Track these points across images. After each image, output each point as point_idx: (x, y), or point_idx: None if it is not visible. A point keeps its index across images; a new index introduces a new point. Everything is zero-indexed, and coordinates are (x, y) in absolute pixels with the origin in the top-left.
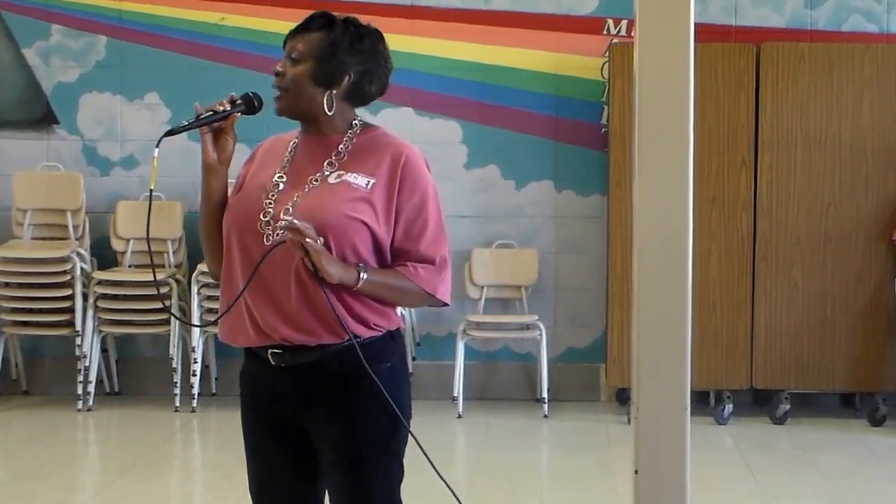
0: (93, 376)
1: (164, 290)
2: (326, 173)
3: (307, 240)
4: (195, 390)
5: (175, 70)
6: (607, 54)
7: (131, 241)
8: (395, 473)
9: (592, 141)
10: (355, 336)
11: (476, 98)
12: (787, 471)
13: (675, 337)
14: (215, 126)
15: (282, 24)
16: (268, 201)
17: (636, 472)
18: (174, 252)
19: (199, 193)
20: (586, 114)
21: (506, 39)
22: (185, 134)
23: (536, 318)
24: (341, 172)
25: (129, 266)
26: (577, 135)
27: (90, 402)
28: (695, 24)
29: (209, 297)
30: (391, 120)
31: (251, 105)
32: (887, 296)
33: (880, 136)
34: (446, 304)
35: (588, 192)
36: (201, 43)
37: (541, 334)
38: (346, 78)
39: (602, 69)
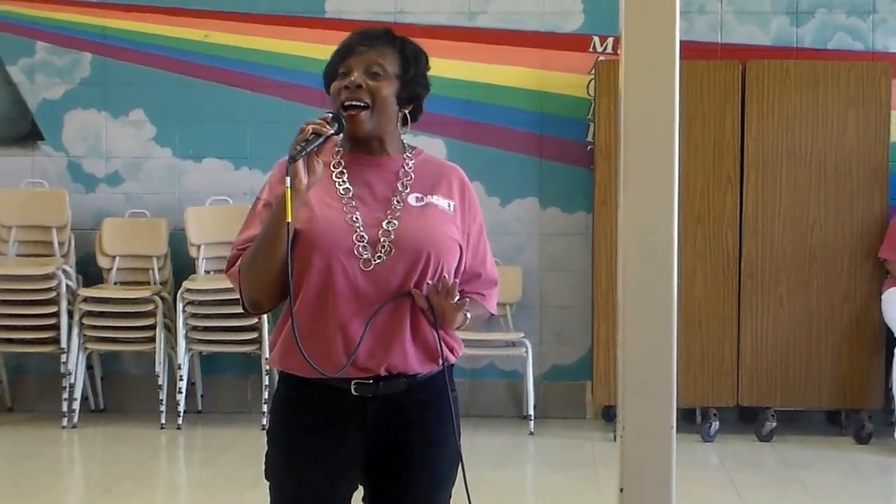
0: (78, 393)
1: (149, 307)
2: (404, 195)
3: (455, 299)
4: (181, 407)
5: (160, 86)
6: (593, 71)
7: (117, 258)
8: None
9: (577, 158)
10: (447, 362)
11: (460, 115)
12: (774, 488)
13: (661, 354)
14: (315, 149)
15: (265, 40)
16: (357, 224)
17: (622, 489)
18: (160, 269)
19: (287, 210)
20: (571, 131)
21: (491, 56)
22: (169, 151)
23: (522, 335)
24: (419, 195)
25: (115, 283)
26: (563, 152)
27: (75, 420)
28: (681, 41)
29: (194, 315)
30: None
31: (342, 125)
32: (873, 313)
33: (866, 154)
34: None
35: (573, 210)
36: (186, 59)
37: (526, 351)
38: (419, 101)
39: (588, 86)
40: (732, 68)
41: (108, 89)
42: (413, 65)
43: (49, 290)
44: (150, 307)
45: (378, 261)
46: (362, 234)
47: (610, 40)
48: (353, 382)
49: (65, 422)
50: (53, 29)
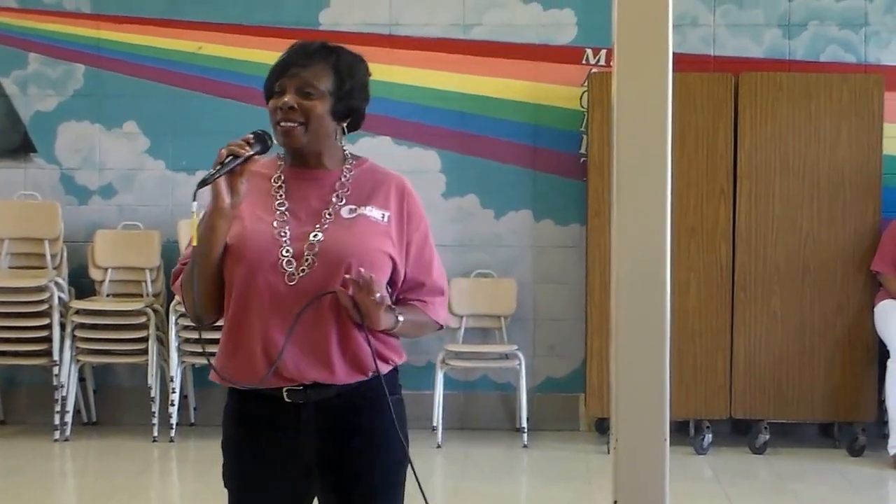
0: (70, 406)
1: (142, 319)
2: (337, 207)
3: (376, 295)
4: (173, 420)
5: (153, 98)
6: (586, 84)
7: (109, 271)
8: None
9: (571, 170)
10: (378, 372)
11: (455, 127)
12: (767, 501)
13: (654, 367)
14: (235, 169)
15: (259, 52)
16: (283, 238)
17: (615, 502)
18: (152, 281)
19: (192, 233)
20: (565, 143)
21: (485, 69)
22: (162, 163)
23: (516, 347)
24: (353, 206)
25: (107, 295)
26: (556, 164)
27: (67, 432)
28: (674, 53)
29: (186, 328)
30: (370, 149)
31: (265, 144)
32: (866, 325)
33: (858, 166)
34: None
35: (567, 222)
36: (179, 72)
37: (520, 364)
38: (357, 113)
39: (581, 99)
40: (725, 81)
41: (101, 101)
42: (348, 79)
43: (41, 302)
44: (143, 319)
45: (301, 274)
46: (288, 248)
47: (603, 52)
48: (284, 390)
49: (57, 434)
50: (46, 41)
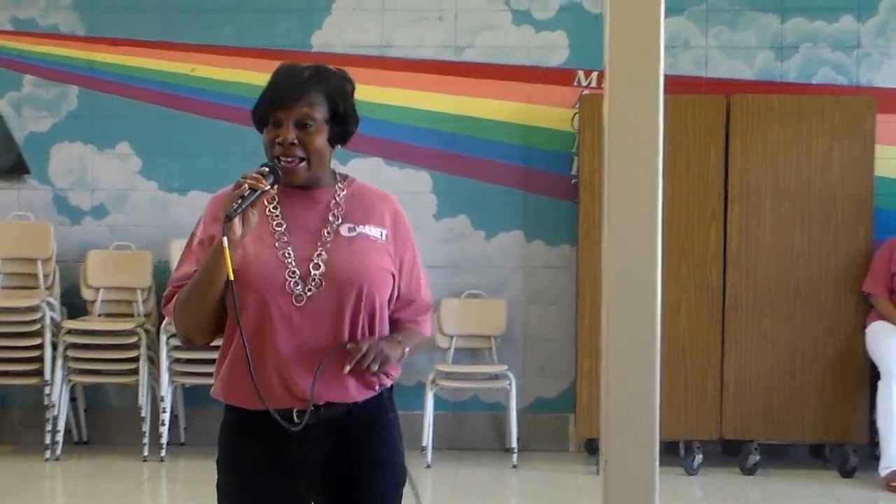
0: (61, 425)
1: (133, 339)
2: (335, 226)
3: (387, 363)
4: (164, 440)
5: (146, 120)
6: (577, 105)
7: (101, 291)
8: None
9: (562, 191)
10: (383, 386)
11: (446, 148)
12: None
13: (644, 387)
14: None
15: (251, 74)
16: (288, 260)
17: None
18: (143, 301)
19: (228, 269)
20: (556, 164)
21: (476, 90)
22: (154, 184)
23: (506, 367)
24: (351, 225)
25: (99, 315)
26: (547, 185)
27: (58, 452)
28: (665, 75)
29: (178, 347)
30: (361, 169)
31: (277, 176)
32: (857, 347)
33: (850, 188)
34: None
35: (557, 243)
36: (172, 93)
37: (510, 384)
38: (350, 135)
39: (572, 120)
40: (717, 102)
41: (94, 122)
42: (341, 102)
43: (33, 322)
44: (134, 339)
45: (309, 294)
46: (294, 269)
47: (595, 74)
48: (294, 410)
49: (48, 454)
50: (41, 62)
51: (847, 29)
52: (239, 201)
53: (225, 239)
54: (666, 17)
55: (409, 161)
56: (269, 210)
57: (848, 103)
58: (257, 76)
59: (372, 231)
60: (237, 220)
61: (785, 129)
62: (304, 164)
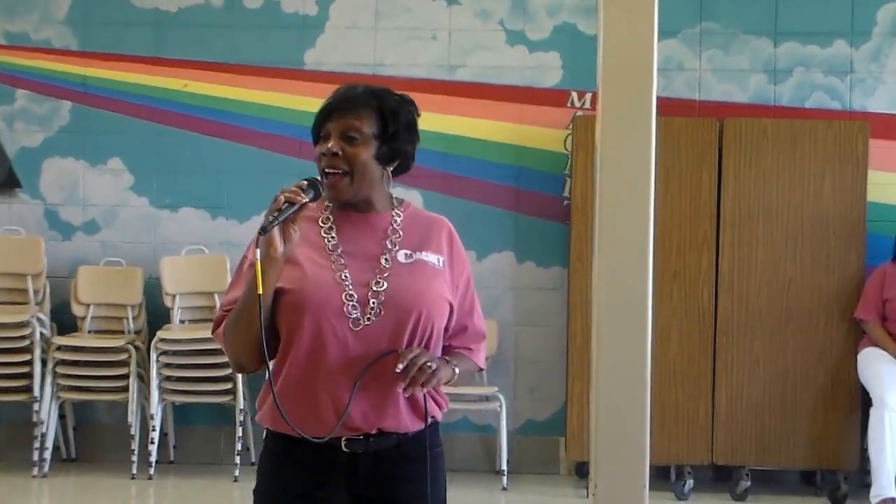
0: (49, 442)
1: (123, 356)
2: (393, 252)
3: (430, 368)
4: (153, 458)
5: (138, 136)
6: (570, 126)
7: (91, 307)
8: None
9: (554, 213)
10: (434, 419)
11: (438, 168)
12: None
13: (635, 411)
14: (290, 217)
15: (245, 91)
16: (346, 283)
17: None
18: (134, 318)
19: (258, 282)
20: (548, 185)
21: (469, 110)
22: (146, 200)
23: (496, 389)
24: (408, 251)
25: (89, 331)
26: (539, 206)
27: (46, 469)
28: (658, 97)
29: (168, 365)
30: None
31: (318, 191)
32: (849, 373)
33: (842, 213)
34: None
35: (549, 264)
36: (165, 109)
37: (500, 406)
38: (403, 156)
39: (565, 141)
40: (710, 125)
41: (86, 138)
42: (392, 122)
43: (23, 338)
44: (124, 356)
45: (368, 322)
46: (351, 292)
47: (588, 96)
48: (343, 439)
49: (35, 471)
50: (33, 77)
51: (840, 54)
52: (276, 214)
53: (258, 251)
54: (659, 39)
55: (400, 180)
56: (324, 232)
57: (841, 128)
58: (250, 93)
59: (429, 257)
60: (277, 236)
61: (778, 154)
62: (347, 178)
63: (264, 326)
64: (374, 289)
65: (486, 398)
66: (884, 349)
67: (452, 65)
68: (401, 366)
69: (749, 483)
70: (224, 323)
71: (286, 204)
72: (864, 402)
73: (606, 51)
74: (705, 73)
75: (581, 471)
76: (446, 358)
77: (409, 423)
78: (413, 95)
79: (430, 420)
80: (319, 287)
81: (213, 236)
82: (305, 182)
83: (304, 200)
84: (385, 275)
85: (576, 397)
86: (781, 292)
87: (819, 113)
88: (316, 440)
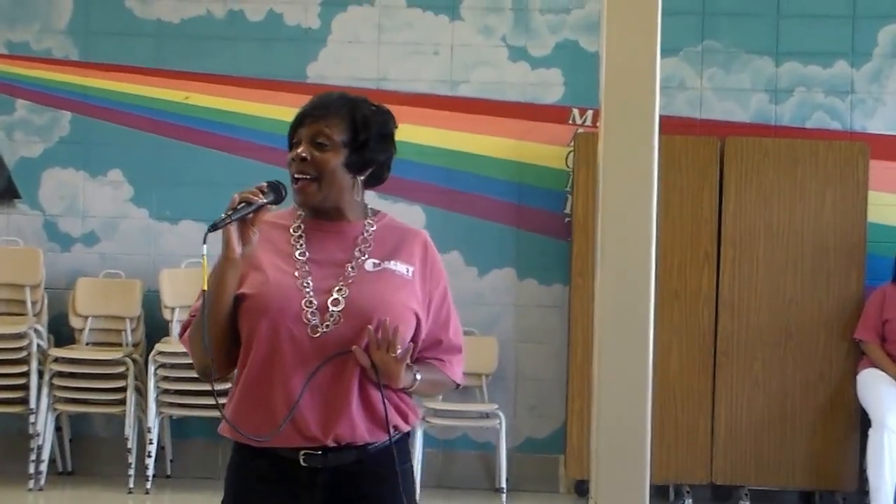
0: (45, 455)
1: (120, 369)
2: (361, 261)
3: (397, 352)
4: (150, 472)
5: (139, 147)
6: (572, 143)
7: (90, 319)
8: None
9: (555, 230)
10: (396, 431)
11: (440, 183)
12: None
13: (635, 430)
14: (248, 217)
15: (246, 104)
16: (307, 289)
17: None
18: (132, 331)
19: (203, 278)
20: (550, 202)
21: (471, 126)
22: (146, 212)
23: (496, 406)
24: (377, 261)
25: (87, 343)
26: (541, 223)
27: (42, 482)
28: (660, 116)
29: (166, 378)
30: None
31: (279, 194)
32: (848, 393)
33: (842, 233)
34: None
35: (550, 282)
36: (166, 121)
37: (500, 423)
38: (375, 165)
39: (567, 158)
40: (711, 144)
41: (86, 149)
42: (363, 130)
43: (20, 349)
44: (122, 369)
45: (326, 329)
46: (312, 299)
47: (590, 113)
48: (301, 453)
49: (31, 484)
50: (34, 87)
51: (841, 74)
52: (229, 213)
53: (205, 247)
54: (661, 57)
55: (401, 195)
56: (294, 240)
57: (841, 148)
58: (252, 106)
59: (398, 267)
60: (235, 237)
61: (778, 173)
62: (315, 184)
63: (227, 330)
64: (336, 296)
65: (486, 415)
66: (883, 370)
67: (454, 80)
68: (371, 327)
69: (748, 503)
70: (189, 328)
71: (242, 204)
72: (863, 423)
73: (608, 68)
74: (707, 92)
75: (581, 489)
76: (409, 364)
77: (365, 434)
78: (415, 110)
79: (393, 432)
80: (280, 292)
81: (213, 249)
82: (265, 184)
83: (263, 202)
84: (349, 282)
85: (576, 415)
86: (781, 311)
87: (820, 133)
88: (258, 441)
